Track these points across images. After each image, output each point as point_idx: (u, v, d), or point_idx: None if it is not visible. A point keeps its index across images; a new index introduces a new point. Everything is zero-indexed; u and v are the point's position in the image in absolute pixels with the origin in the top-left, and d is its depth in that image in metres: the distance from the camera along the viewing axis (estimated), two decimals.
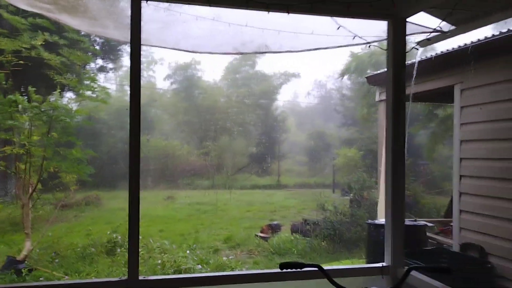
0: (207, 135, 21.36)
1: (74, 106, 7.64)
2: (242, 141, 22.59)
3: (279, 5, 2.44)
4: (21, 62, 6.97)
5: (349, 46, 3.22)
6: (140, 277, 2.43)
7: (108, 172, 16.43)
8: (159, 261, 6.16)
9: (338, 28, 2.67)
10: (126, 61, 17.09)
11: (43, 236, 7.44)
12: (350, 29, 2.89)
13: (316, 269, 1.96)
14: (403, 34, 2.61)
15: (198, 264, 6.17)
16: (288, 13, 2.53)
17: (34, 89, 6.85)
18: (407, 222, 4.75)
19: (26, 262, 6.33)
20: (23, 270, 5.89)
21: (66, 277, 5.89)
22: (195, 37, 3.14)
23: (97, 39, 12.97)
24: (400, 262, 2.53)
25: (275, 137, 24.03)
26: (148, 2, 2.37)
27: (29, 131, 6.96)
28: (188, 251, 7.11)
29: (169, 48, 3.17)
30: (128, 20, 2.74)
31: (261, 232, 9.91)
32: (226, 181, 18.66)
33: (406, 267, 2.07)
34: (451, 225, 5.10)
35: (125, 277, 2.39)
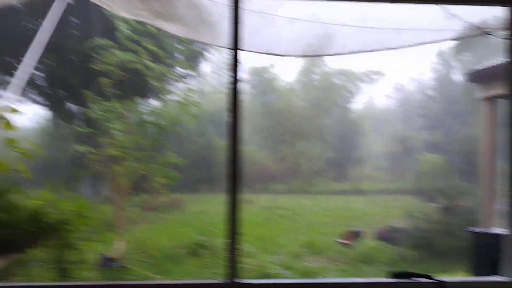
0: (282, 140, 21.34)
1: (165, 113, 7.98)
2: (318, 145, 22.25)
3: None
4: (123, 72, 7.47)
5: (459, 38, 2.95)
6: (240, 280, 2.39)
7: (190, 176, 17.01)
8: (246, 266, 6.17)
9: (450, 17, 2.44)
10: (205, 67, 17.62)
11: (133, 236, 7.82)
12: (461, 18, 2.64)
13: (435, 281, 1.79)
14: None
15: (283, 269, 6.09)
16: (392, 2, 2.36)
17: (131, 96, 7.30)
18: None
19: (119, 260, 6.67)
20: (117, 268, 6.20)
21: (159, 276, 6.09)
22: (287, 40, 3.05)
23: (178, 45, 13.51)
24: None
25: (353, 141, 23.37)
26: (242, 5, 2.33)
27: (124, 136, 7.37)
28: (271, 256, 7.06)
29: (262, 53, 3.13)
30: (222, 26, 2.72)
31: (343, 238, 9.61)
32: (303, 186, 18.45)
33: None
34: None
35: (225, 280, 2.35)
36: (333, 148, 22.59)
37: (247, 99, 23.48)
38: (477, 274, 4.42)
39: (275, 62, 24.79)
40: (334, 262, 7.93)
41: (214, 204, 14.78)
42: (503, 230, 2.56)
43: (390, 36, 2.90)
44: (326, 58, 23.94)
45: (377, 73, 24.94)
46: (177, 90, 8.49)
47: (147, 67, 7.67)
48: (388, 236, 9.02)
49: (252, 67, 23.81)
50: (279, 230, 11.01)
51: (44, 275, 4.18)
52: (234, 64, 2.28)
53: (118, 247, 7.02)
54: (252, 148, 19.73)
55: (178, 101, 8.23)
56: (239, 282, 2.36)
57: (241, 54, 2.37)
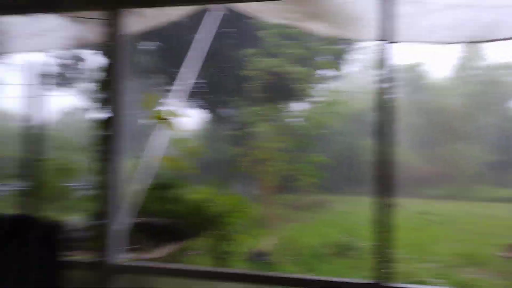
0: (436, 140, 19.77)
1: (311, 114, 8.16)
2: (477, 146, 20.06)
3: None
4: (271, 76, 7.89)
5: None
6: (389, 284, 2.32)
7: (335, 176, 16.96)
8: (395, 271, 5.92)
9: None
10: (350, 66, 17.33)
11: (281, 233, 8.14)
12: None
13: None
14: None
15: (436, 279, 5.67)
16: None
17: (279, 99, 7.65)
18: None
19: (268, 255, 7.02)
20: (266, 262, 6.54)
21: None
22: (443, 29, 2.83)
23: (323, 46, 13.60)
24: None
25: None
26: None
27: (273, 138, 7.75)
28: (422, 264, 6.63)
29: (415, 42, 2.96)
30: (370, 18, 2.66)
31: (506, 251, 8.50)
32: (460, 191, 16.86)
33: None
34: None
35: (373, 281, 2.32)
36: (495, 150, 20.12)
37: (397, 97, 22.42)
38: None
39: (428, 57, 23.12)
40: (495, 276, 7.08)
41: (360, 205, 14.45)
42: None
43: None
44: (486, 51, 21.46)
45: None
46: (322, 91, 8.57)
47: (292, 71, 7.93)
48: None
49: (403, 64, 22.59)
50: (431, 237, 10.26)
51: (203, 262, 4.66)
52: (384, 59, 2.21)
53: (267, 242, 7.40)
54: (403, 149, 18.72)
55: (323, 102, 8.31)
56: (387, 286, 2.29)
57: (392, 47, 2.29)
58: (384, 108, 2.31)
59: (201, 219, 4.26)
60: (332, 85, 10.78)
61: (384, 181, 2.33)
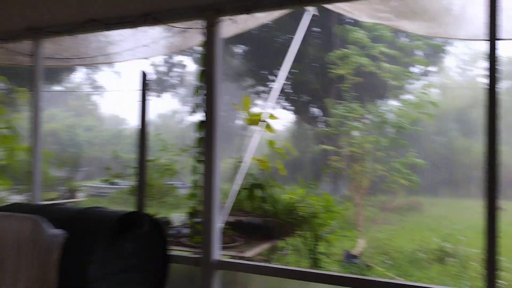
0: None
1: (404, 112, 7.86)
2: None
3: None
4: (360, 75, 7.77)
5: None
6: None
7: (429, 178, 16.03)
8: (505, 282, 5.46)
9: None
10: (448, 61, 16.19)
11: (372, 235, 7.90)
12: None
13: None
14: None
15: None
16: None
17: (369, 97, 7.50)
18: None
19: (360, 258, 6.87)
20: (359, 265, 6.40)
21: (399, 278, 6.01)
22: None
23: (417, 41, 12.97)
24: None
25: None
26: None
27: (363, 137, 7.58)
28: None
29: None
30: (471, 14, 2.51)
31: None
32: None
33: None
34: None
35: None
36: None
37: (505, 93, 20.64)
38: None
39: None
40: None
41: (456, 209, 13.51)
42: None
43: None
44: None
45: None
46: (416, 89, 8.20)
47: (383, 69, 7.71)
48: None
49: (507, 56, 20.70)
50: None
51: (295, 262, 4.70)
52: (491, 56, 2.07)
53: (358, 244, 7.24)
54: (505, 148, 17.13)
55: (416, 100, 7.94)
56: None
57: (499, 44, 2.13)
58: (490, 105, 2.15)
59: (294, 218, 4.31)
60: (427, 82, 10.25)
61: (491, 184, 2.18)
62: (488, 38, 2.06)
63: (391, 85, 8.42)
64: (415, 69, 14.03)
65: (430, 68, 15.20)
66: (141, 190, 2.18)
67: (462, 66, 16.94)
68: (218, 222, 2.95)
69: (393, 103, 10.58)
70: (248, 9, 2.66)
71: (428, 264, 6.75)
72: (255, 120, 4.04)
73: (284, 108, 12.88)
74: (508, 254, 8.31)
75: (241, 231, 4.09)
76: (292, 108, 13.02)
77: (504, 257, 7.04)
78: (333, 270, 5.71)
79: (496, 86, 2.10)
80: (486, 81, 2.15)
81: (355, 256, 6.78)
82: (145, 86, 2.38)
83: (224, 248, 3.28)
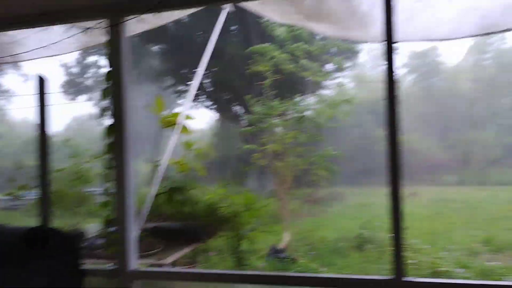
0: (450, 126, 19.53)
1: (321, 108, 8.15)
2: (494, 129, 19.76)
3: None
4: (280, 72, 7.91)
5: None
6: (406, 278, 2.30)
7: (350, 169, 16.86)
8: (412, 261, 5.86)
9: None
10: (362, 57, 17.09)
11: (297, 228, 8.12)
12: None
13: None
14: None
15: (457, 268, 5.60)
16: None
17: (289, 94, 7.67)
18: None
19: (286, 251, 7.01)
20: (285, 259, 6.53)
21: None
22: (447, 23, 2.75)
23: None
24: None
25: None
26: None
27: (285, 133, 7.75)
28: (443, 253, 6.55)
29: (416, 41, 2.91)
30: (372, 18, 2.62)
31: None
32: (477, 176, 16.65)
33: None
34: None
35: (391, 276, 2.29)
36: (510, 133, 19.81)
37: (408, 84, 22.23)
38: None
39: (439, 44, 22.72)
40: None
41: (375, 197, 14.35)
42: None
43: None
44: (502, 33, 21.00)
45: None
46: (332, 85, 8.56)
47: (302, 65, 7.93)
48: None
49: (413, 50, 22.29)
50: (450, 224, 10.14)
51: (220, 263, 4.67)
52: (389, 56, 2.18)
53: (284, 238, 7.40)
54: (416, 136, 18.49)
55: (332, 96, 8.29)
56: (405, 280, 2.26)
57: (396, 45, 2.26)
58: (392, 99, 2.28)
59: (215, 219, 4.27)
60: (342, 78, 10.73)
61: (396, 171, 2.30)
62: (385, 40, 2.17)
63: (310, 82, 8.69)
64: (331, 66, 14.67)
65: (346, 64, 15.98)
66: (44, 202, 2.02)
67: (375, 60, 18.04)
68: (134, 229, 2.83)
69: (312, 99, 10.96)
70: (152, 8, 2.57)
71: (349, 252, 7.08)
72: (170, 122, 3.93)
73: (206, 106, 12.79)
74: (421, 236, 9.00)
75: (161, 237, 3.97)
76: (215, 106, 12.97)
77: (417, 239, 7.60)
78: (259, 267, 5.78)
79: (394, 81, 2.21)
80: (385, 79, 2.26)
81: (281, 250, 6.91)
82: (43, 90, 2.20)
83: (142, 256, 3.16)
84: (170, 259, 3.68)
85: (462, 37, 2.87)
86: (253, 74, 8.26)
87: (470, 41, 22.16)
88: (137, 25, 2.94)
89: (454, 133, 18.51)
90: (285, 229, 7.57)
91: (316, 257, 6.98)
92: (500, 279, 5.42)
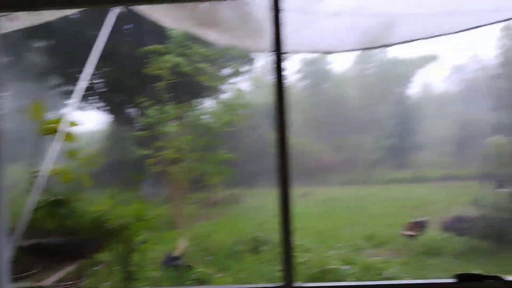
0: (337, 129, 20.93)
1: (217, 112, 8.14)
2: (375, 132, 21.65)
3: None
4: (176, 75, 7.73)
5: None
6: (296, 284, 2.36)
7: (246, 170, 17.15)
8: (303, 260, 6.12)
9: None
10: (257, 62, 17.53)
11: (194, 234, 8.02)
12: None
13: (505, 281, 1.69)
14: None
15: (343, 265, 5.97)
16: None
17: (185, 98, 7.51)
18: None
19: (182, 259, 6.87)
20: (180, 267, 6.38)
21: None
22: (332, 36, 2.93)
23: None
24: None
25: (411, 127, 22.48)
26: (282, 5, 2.28)
27: (180, 137, 7.60)
28: (331, 251, 6.96)
29: (305, 52, 3.05)
30: (262, 28, 2.68)
31: (407, 229, 9.26)
32: (361, 176, 18.05)
33: None
34: None
35: (281, 284, 2.33)
36: (391, 136, 21.90)
37: (300, 90, 23.34)
38: None
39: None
40: (398, 255, 7.69)
41: (272, 198, 14.74)
42: None
43: (447, 21, 2.73)
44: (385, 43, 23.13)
45: (434, 56, 23.83)
46: (229, 89, 8.62)
47: (198, 69, 7.86)
48: (454, 226, 8.58)
49: (304, 58, 23.43)
50: (338, 223, 10.82)
51: (110, 278, 4.39)
52: (278, 66, 2.23)
53: (180, 245, 7.24)
54: (306, 140, 19.49)
55: (229, 99, 8.35)
56: (295, 287, 2.32)
57: (284, 55, 2.32)
58: (281, 106, 2.33)
59: (102, 233, 4.00)
60: (239, 82, 10.86)
61: (285, 173, 2.36)
62: (274, 50, 2.22)
63: (206, 86, 8.65)
64: (228, 70, 14.80)
65: (244, 68, 16.21)
66: None
67: (271, 65, 18.60)
68: (6, 249, 2.52)
69: (208, 103, 10.93)
70: (29, 7, 2.32)
71: (245, 255, 7.16)
72: (51, 129, 3.59)
73: (98, 108, 12.05)
74: (312, 235, 9.46)
75: (41, 255, 3.61)
76: (107, 108, 12.27)
77: (308, 239, 7.96)
78: (153, 277, 5.57)
79: (283, 91, 2.27)
80: (275, 86, 2.31)
81: (176, 258, 6.74)
82: None
83: (17, 279, 2.84)
84: (51, 279, 3.36)
85: (345, 51, 3.08)
86: (148, 76, 7.99)
87: (356, 52, 24.07)
88: (11, 22, 2.64)
89: (341, 137, 19.86)
90: (181, 235, 7.42)
91: (213, 262, 6.95)
92: (380, 273, 5.90)
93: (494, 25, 2.81)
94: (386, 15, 2.66)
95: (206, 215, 11.26)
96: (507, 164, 14.58)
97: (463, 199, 12.23)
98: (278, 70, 2.22)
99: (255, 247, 7.41)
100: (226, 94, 8.56)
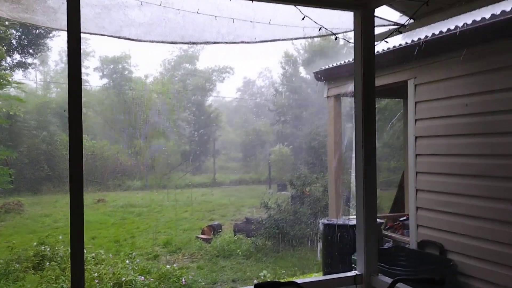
0: (138, 133, 20.44)
1: None
2: (175, 138, 21.99)
3: None
4: None
5: (310, 37, 3.05)
6: None
7: (30, 175, 15.09)
8: (96, 274, 5.62)
9: (303, 18, 2.45)
10: (51, 56, 15.67)
11: None
12: (312, 19, 2.70)
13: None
14: (372, 26, 2.44)
15: (140, 275, 5.71)
16: (252, 0, 2.27)
17: None
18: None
19: None
20: None
21: None
22: (139, 25, 2.78)
23: (14, 31, 11.82)
24: (374, 269, 2.37)
25: (208, 134, 23.69)
26: None
27: None
28: (127, 261, 6.58)
29: (108, 36, 2.78)
30: (60, 3, 2.35)
31: (202, 233, 9.55)
32: (160, 181, 18.00)
33: (392, 279, 1.91)
34: (400, 220, 5.15)
35: None
36: (189, 142, 22.59)
37: (100, 89, 21.93)
38: (327, 265, 4.69)
39: (133, 53, 23.46)
40: (194, 260, 7.83)
41: (60, 206, 13.34)
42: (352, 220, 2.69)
43: (243, 29, 2.87)
44: (188, 54, 23.80)
45: (231, 68, 25.68)
46: (13, 80, 7.40)
47: None
48: (244, 228, 9.27)
49: (105, 56, 22.08)
50: (134, 230, 10.45)
51: None
52: (75, 49, 1.91)
53: None
54: (104, 143, 18.36)
55: (12, 92, 7.17)
56: None
57: (83, 38, 2.02)
58: (76, 100, 2.01)
59: None
60: (24, 74, 9.46)
61: (77, 177, 2.05)
62: (71, 30, 1.89)
63: None
64: (14, 60, 12.81)
65: (26, 60, 14.22)
66: None
67: (65, 60, 16.83)
68: None
69: None
70: None
71: (24, 274, 6.16)
72: None
73: None
74: (107, 244, 8.87)
75: None
76: None
77: (103, 249, 7.38)
78: None
79: (79, 80, 1.97)
80: (70, 72, 1.98)
81: None
82: None
83: None
84: None
85: (152, 41, 2.95)
86: None
87: (163, 56, 24.05)
88: None
89: (141, 141, 19.44)
90: None
91: None
92: (178, 280, 5.85)
93: (285, 41, 3.08)
94: (191, 12, 2.63)
95: None
96: (287, 170, 16.62)
97: (252, 202, 13.40)
98: (75, 53, 1.90)
99: (38, 263, 6.44)
100: (11, 84, 7.29)
